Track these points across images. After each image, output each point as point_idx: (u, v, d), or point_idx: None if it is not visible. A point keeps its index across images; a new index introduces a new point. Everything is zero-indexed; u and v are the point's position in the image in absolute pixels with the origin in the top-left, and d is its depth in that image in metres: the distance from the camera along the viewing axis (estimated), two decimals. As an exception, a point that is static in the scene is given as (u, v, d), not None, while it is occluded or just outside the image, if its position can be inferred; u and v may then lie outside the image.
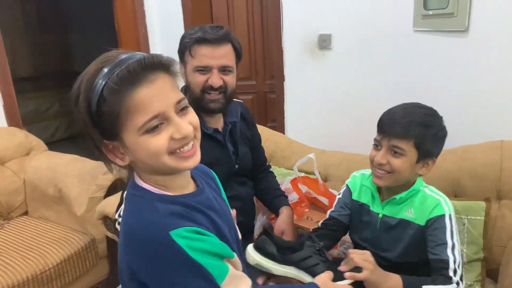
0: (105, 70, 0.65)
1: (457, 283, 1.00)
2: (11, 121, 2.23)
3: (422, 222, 1.08)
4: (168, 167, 0.71)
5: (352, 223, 1.26)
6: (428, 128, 1.05)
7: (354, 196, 1.24)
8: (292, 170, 1.66)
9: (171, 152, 0.71)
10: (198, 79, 1.24)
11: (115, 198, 1.53)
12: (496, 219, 1.34)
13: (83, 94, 0.66)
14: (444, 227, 1.05)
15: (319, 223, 1.31)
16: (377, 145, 1.11)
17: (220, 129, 1.35)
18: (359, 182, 1.25)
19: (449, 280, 0.99)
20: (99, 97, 0.65)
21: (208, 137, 1.29)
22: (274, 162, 1.84)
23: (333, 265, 1.02)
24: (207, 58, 1.22)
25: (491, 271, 1.34)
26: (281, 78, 2.46)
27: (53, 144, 2.30)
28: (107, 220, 1.51)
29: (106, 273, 1.90)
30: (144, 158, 0.70)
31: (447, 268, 1.01)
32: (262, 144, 1.59)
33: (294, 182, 1.59)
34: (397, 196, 1.11)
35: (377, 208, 1.17)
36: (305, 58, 2.27)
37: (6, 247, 1.82)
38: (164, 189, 0.75)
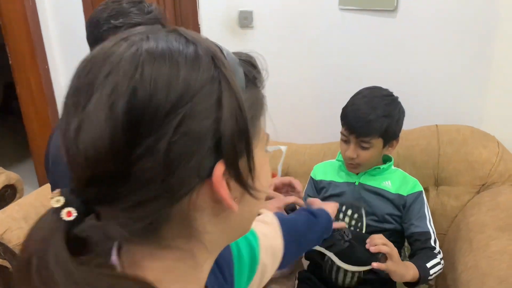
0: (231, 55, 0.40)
1: (439, 252, 1.12)
2: None
3: (402, 192, 1.17)
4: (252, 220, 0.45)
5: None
6: (392, 117, 1.12)
7: (319, 177, 1.29)
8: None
9: None
10: None
11: (4, 214, 1.20)
12: (435, 207, 1.31)
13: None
14: (423, 203, 1.17)
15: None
16: (345, 140, 1.15)
17: None
18: (324, 166, 1.32)
19: (434, 252, 1.10)
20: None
21: None
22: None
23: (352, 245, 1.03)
24: None
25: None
26: (199, 59, 2.23)
27: None
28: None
29: (-2, 303, 1.55)
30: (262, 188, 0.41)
31: (430, 239, 1.12)
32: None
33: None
34: (381, 166, 1.19)
35: (351, 178, 1.22)
36: (224, 37, 2.06)
37: None
38: None
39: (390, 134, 1.13)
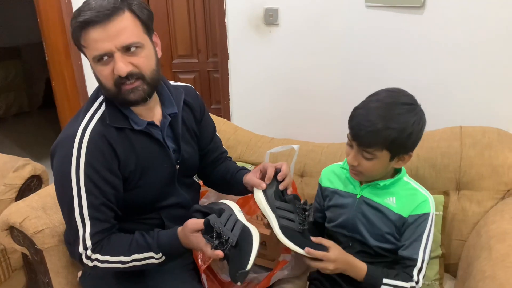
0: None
1: (417, 282, 1.02)
2: None
3: (404, 214, 1.05)
4: None
5: (327, 212, 1.20)
6: (403, 130, 0.97)
7: (325, 184, 1.20)
8: (238, 162, 1.49)
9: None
10: (104, 72, 0.95)
11: (24, 203, 1.25)
12: (455, 212, 1.25)
13: None
14: (425, 226, 1.04)
15: None
16: (350, 145, 1.05)
17: (158, 123, 1.09)
18: (331, 171, 1.21)
19: (409, 278, 1.02)
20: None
21: (139, 133, 1.04)
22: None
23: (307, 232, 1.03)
24: (100, 42, 0.91)
25: (449, 266, 1.27)
26: (225, 56, 2.24)
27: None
28: (14, 231, 1.23)
29: (23, 286, 1.63)
30: None
31: (413, 266, 1.03)
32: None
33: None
34: (381, 182, 1.07)
35: (354, 190, 1.13)
36: (249, 35, 2.06)
37: None
38: None
39: (398, 148, 0.99)
